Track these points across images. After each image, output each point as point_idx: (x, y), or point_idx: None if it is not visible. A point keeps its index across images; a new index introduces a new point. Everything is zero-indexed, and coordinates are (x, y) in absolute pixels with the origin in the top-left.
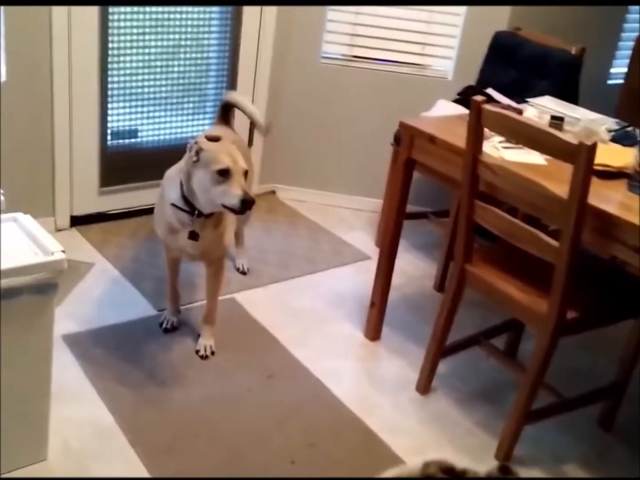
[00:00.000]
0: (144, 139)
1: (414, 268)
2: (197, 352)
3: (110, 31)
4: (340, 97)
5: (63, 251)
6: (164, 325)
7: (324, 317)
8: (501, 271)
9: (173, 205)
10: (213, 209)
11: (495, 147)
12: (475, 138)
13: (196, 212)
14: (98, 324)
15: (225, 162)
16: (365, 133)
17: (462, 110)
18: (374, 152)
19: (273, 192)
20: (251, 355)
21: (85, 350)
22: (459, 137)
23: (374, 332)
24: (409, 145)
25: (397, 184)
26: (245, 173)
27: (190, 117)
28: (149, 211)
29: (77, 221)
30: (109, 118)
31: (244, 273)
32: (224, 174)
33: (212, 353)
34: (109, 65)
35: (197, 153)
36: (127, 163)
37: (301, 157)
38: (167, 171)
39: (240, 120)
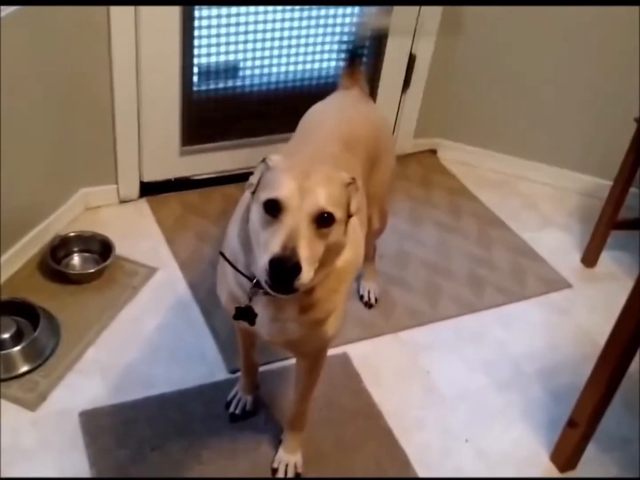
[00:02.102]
0: (247, 81)
1: None
2: (274, 471)
3: None
4: (552, 22)
5: None
6: (231, 409)
7: (484, 408)
8: None
9: (225, 258)
10: None
11: None
12: None
13: (255, 280)
14: (136, 392)
15: (280, 190)
16: (585, 82)
17: None
18: (598, 112)
19: (433, 152)
20: None
21: (106, 449)
22: None
23: (568, 459)
24: None
25: None
26: (323, 219)
27: (315, 50)
28: (247, 177)
29: (148, 189)
30: (196, 50)
31: (369, 305)
32: (273, 211)
33: (297, 475)
34: None
35: (263, 174)
36: (221, 113)
37: (479, 104)
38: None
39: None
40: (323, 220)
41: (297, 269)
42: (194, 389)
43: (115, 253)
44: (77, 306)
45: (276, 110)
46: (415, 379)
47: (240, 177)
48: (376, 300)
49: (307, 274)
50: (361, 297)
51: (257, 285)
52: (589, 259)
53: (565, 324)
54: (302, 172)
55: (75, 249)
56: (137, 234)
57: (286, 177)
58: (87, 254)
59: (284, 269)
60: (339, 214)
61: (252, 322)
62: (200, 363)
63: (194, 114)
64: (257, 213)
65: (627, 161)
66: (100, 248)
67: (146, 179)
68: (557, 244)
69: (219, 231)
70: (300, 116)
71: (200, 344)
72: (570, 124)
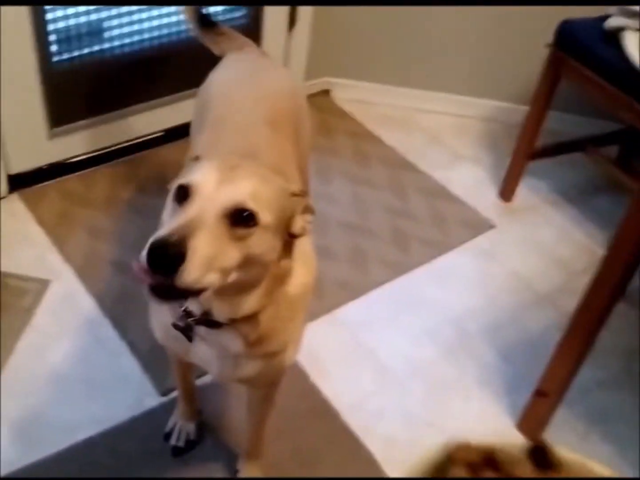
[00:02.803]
0: (115, 42)
1: (572, 248)
2: None
3: None
4: None
5: None
6: (172, 441)
7: (439, 381)
8: None
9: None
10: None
11: None
12: None
13: (184, 307)
14: (56, 443)
15: (194, 175)
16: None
17: None
18: (492, 34)
19: (326, 92)
20: None
21: None
22: None
23: (536, 427)
24: None
25: None
26: (240, 216)
27: None
28: (131, 151)
29: (19, 182)
30: (49, 14)
31: None
32: (181, 198)
33: None
34: None
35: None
36: (91, 84)
37: (369, 36)
38: None
39: None
40: (240, 219)
41: (178, 259)
42: (123, 424)
43: None
44: None
45: (153, 70)
46: (362, 363)
47: (123, 152)
48: None
49: (193, 271)
50: None
51: (189, 314)
52: (507, 192)
53: (496, 271)
54: (231, 165)
55: None
56: (16, 240)
57: (208, 164)
58: None
59: (161, 256)
60: (266, 217)
61: (189, 338)
62: (125, 390)
63: (59, 89)
64: (167, 207)
65: (542, 89)
66: None
67: (13, 171)
68: (471, 180)
69: (112, 222)
70: (182, 72)
71: (120, 367)
72: (465, 49)
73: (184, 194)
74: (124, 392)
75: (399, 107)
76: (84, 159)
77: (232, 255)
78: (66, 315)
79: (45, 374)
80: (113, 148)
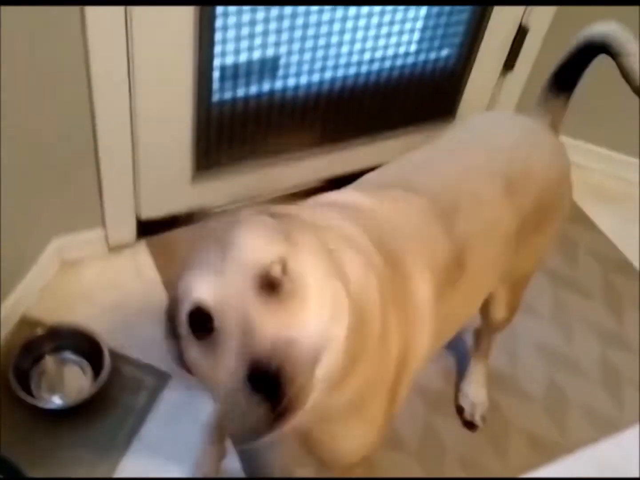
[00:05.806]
0: (290, 80)
1: None
2: None
3: None
4: None
5: None
6: None
7: None
8: None
9: None
10: None
11: None
12: None
13: None
14: None
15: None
16: None
17: None
18: None
19: None
20: None
21: None
22: None
23: None
24: None
25: None
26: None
27: (380, 31)
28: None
29: (149, 229)
30: (219, 34)
31: (472, 426)
32: (199, 328)
33: None
34: None
35: None
36: (251, 126)
37: (598, 91)
38: None
39: None
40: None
41: None
42: None
43: (108, 359)
44: (54, 454)
45: (320, 114)
46: None
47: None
48: (483, 419)
49: None
50: (460, 411)
51: None
52: None
53: None
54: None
55: (48, 348)
56: (136, 305)
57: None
58: (67, 353)
59: None
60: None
61: None
62: None
63: (213, 129)
64: None
65: None
66: (87, 345)
67: (145, 216)
68: None
69: None
70: (363, 119)
71: None
72: None
73: (197, 321)
74: None
75: (621, 179)
76: (229, 209)
77: None
78: (184, 425)
79: None
80: (265, 198)
